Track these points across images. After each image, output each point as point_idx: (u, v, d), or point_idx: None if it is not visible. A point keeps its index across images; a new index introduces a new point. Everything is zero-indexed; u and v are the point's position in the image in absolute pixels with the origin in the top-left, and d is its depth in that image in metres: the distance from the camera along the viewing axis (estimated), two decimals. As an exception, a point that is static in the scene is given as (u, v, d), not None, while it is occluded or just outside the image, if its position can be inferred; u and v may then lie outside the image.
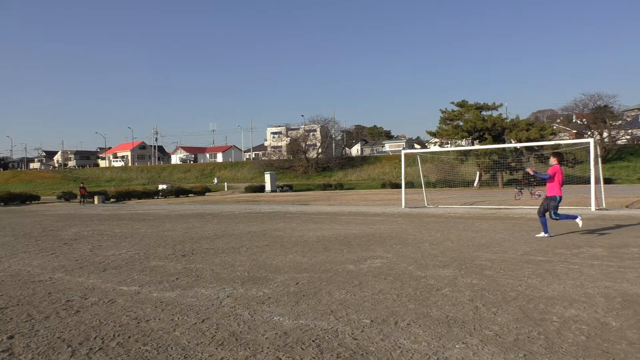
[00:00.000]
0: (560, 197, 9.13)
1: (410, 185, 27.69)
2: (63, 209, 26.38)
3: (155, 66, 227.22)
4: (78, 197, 33.32)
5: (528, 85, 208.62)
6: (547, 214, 9.15)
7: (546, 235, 9.07)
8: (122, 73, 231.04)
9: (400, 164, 21.17)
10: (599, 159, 18.18)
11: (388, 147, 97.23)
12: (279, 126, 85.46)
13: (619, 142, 59.59)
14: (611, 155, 55.65)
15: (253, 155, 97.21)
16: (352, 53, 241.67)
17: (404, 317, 4.02)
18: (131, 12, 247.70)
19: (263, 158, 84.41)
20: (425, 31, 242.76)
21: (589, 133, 56.18)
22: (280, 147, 79.76)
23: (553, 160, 9.28)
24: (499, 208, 17.56)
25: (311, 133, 77.50)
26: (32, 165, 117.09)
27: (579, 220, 9.27)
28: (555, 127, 57.35)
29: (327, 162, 72.34)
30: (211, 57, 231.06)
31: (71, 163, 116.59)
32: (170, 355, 3.30)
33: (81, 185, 34.89)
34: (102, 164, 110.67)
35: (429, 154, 31.37)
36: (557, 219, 9.15)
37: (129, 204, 30.77)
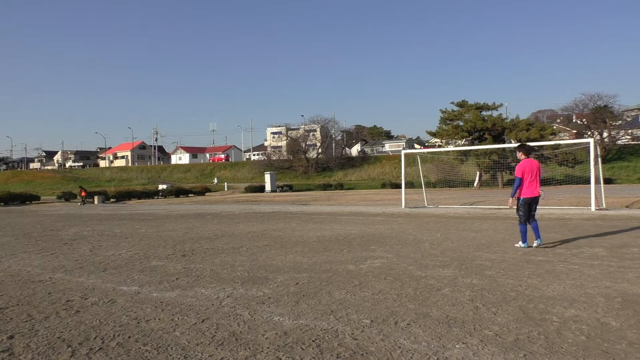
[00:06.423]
0: (525, 200, 7.61)
1: (410, 185, 27.67)
2: (63, 209, 26.37)
3: (156, 66, 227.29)
4: (78, 198, 33.59)
5: (528, 85, 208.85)
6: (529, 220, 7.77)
7: (523, 245, 7.69)
8: (122, 73, 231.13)
9: (400, 164, 21.17)
10: (599, 159, 18.16)
11: (388, 147, 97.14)
12: (279, 126, 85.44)
13: (619, 142, 59.56)
14: (611, 155, 55.65)
15: (253, 155, 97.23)
16: (352, 53, 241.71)
17: (404, 317, 4.02)
18: (131, 12, 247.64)
19: (263, 158, 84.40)
20: (426, 31, 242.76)
21: (589, 133, 56.17)
22: (280, 147, 79.76)
23: (520, 155, 7.83)
24: (499, 208, 17.55)
25: (311, 133, 77.50)
26: (32, 165, 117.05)
27: (520, 245, 7.73)
28: (555, 127, 57.31)
29: (327, 162, 72.33)
30: (211, 56, 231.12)
31: (71, 163, 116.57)
32: (170, 355, 3.30)
33: (80, 187, 35.33)
34: (102, 164, 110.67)
35: (429, 154, 31.35)
36: (519, 224, 7.81)
37: (129, 204, 30.75)
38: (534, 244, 7.65)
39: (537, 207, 7.85)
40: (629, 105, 73.68)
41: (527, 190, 7.58)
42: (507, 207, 8.85)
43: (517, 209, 7.74)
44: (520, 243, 7.78)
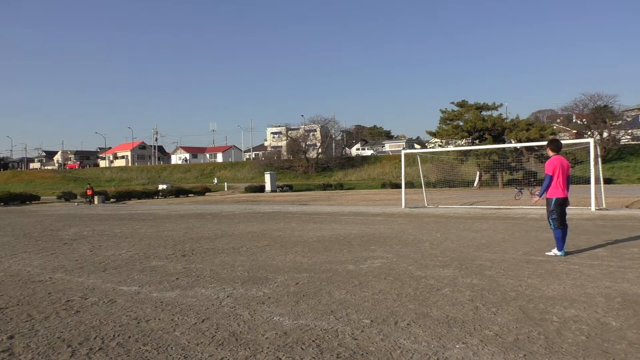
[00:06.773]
0: (557, 200, 6.83)
1: (410, 185, 27.68)
2: (63, 209, 26.37)
3: (156, 66, 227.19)
4: (85, 197, 34.04)
5: (528, 85, 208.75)
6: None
7: (559, 253, 6.86)
8: (122, 73, 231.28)
9: (400, 164, 21.17)
10: (599, 159, 18.16)
11: (388, 147, 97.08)
12: (279, 126, 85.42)
13: (619, 142, 59.54)
14: (611, 155, 55.64)
15: (253, 155, 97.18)
16: (352, 52, 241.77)
17: (404, 317, 4.02)
18: (131, 12, 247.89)
19: (263, 158, 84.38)
20: (426, 30, 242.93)
21: (589, 133, 56.16)
22: (280, 147, 79.75)
23: (549, 152, 7.17)
24: (499, 208, 17.56)
25: (311, 133, 77.51)
26: (32, 165, 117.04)
27: (556, 252, 6.90)
28: (555, 127, 57.37)
29: (327, 162, 72.33)
30: (211, 56, 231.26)
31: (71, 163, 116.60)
32: (170, 355, 3.30)
33: (88, 185, 35.78)
34: (102, 164, 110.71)
35: (429, 154, 31.34)
36: (553, 229, 6.96)
37: (129, 204, 30.76)
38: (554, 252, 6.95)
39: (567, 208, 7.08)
40: (629, 105, 73.76)
41: (558, 190, 6.83)
42: (533, 204, 7.93)
43: (549, 213, 6.89)
44: (554, 251, 6.92)
